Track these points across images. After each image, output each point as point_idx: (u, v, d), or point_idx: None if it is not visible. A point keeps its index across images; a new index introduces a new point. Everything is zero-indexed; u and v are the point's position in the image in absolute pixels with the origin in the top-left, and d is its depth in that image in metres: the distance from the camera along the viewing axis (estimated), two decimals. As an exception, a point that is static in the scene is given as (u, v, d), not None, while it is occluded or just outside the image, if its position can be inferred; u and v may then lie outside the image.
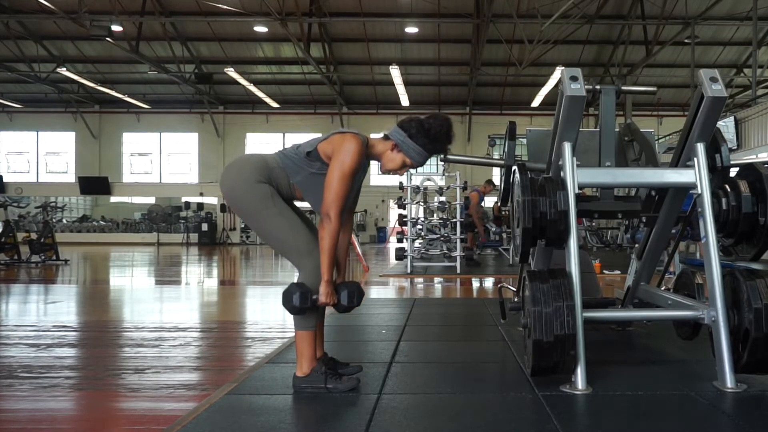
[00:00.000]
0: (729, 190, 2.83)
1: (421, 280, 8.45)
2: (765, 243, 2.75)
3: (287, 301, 2.43)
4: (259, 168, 2.52)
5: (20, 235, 11.93)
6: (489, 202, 17.79)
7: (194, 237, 22.41)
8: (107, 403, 2.73)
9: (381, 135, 2.65)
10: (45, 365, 3.32)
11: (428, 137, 2.54)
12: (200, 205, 23.85)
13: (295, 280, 2.53)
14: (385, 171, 2.66)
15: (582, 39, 18.50)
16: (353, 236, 12.39)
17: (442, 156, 3.84)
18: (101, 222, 24.54)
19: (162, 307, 6.20)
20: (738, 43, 19.04)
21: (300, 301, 2.42)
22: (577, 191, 2.67)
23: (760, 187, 2.72)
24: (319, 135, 2.69)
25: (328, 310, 2.60)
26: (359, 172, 2.54)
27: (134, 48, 16.80)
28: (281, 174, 2.55)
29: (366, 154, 2.54)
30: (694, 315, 2.73)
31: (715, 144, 2.84)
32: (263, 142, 24.09)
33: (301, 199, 2.64)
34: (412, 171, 12.42)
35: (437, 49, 19.71)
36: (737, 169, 2.94)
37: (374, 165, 2.77)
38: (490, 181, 10.76)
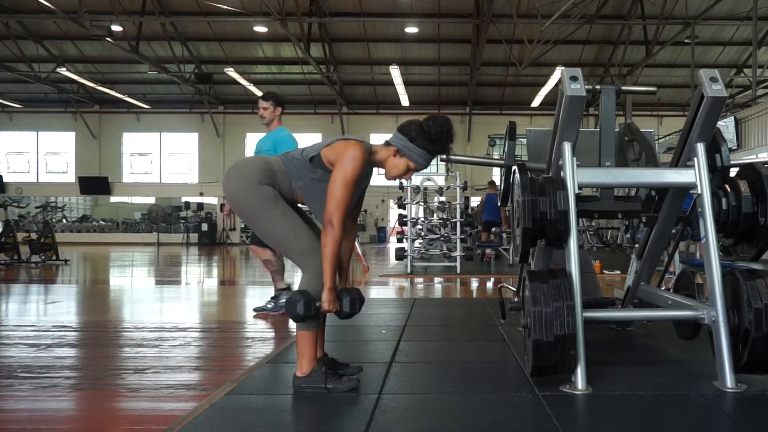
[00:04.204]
0: (729, 190, 2.83)
1: (421, 280, 8.45)
2: (765, 243, 2.75)
3: (292, 310, 2.46)
4: (262, 170, 2.54)
5: (20, 235, 11.91)
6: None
7: (194, 237, 22.41)
8: (107, 403, 2.73)
9: (383, 141, 2.65)
10: (45, 365, 3.32)
11: (429, 139, 2.54)
12: (200, 205, 23.85)
13: (298, 280, 2.53)
14: (390, 177, 2.66)
15: (582, 39, 18.50)
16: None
17: (443, 156, 3.84)
18: (101, 222, 24.55)
19: (162, 307, 6.19)
20: (738, 43, 19.04)
21: (304, 310, 2.45)
22: (576, 191, 2.68)
23: (760, 187, 2.72)
24: (319, 136, 2.67)
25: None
26: (362, 179, 2.54)
27: (134, 48, 16.80)
28: (283, 177, 2.56)
29: (369, 161, 2.55)
30: (694, 315, 2.72)
31: (715, 144, 2.84)
32: (263, 142, 24.05)
33: (303, 203, 2.66)
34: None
35: (437, 49, 19.71)
36: (737, 169, 2.94)
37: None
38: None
